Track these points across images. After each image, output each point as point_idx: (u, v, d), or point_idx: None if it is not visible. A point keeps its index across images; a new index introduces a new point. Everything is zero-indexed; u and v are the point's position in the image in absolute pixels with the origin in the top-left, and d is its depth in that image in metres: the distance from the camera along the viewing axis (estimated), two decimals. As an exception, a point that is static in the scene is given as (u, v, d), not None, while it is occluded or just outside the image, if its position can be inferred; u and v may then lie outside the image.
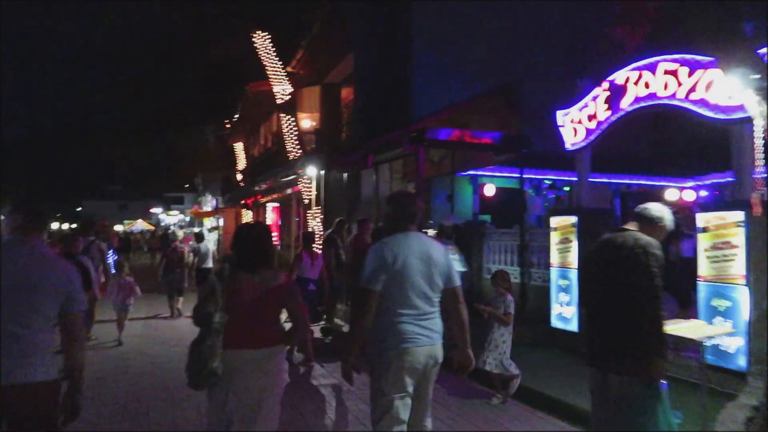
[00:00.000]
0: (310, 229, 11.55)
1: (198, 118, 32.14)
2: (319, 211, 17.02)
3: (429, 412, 3.41)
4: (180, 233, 13.83)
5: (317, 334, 8.92)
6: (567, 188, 12.22)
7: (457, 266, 9.25)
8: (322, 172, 13.00)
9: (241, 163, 30.38)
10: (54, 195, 69.74)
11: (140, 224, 55.46)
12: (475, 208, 11.67)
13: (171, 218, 55.60)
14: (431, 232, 9.23)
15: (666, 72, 6.26)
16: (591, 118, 7.40)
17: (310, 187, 17.13)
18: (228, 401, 3.12)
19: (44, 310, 2.84)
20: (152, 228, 52.32)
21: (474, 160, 10.49)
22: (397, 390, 3.18)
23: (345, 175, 12.56)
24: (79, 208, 74.75)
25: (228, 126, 29.55)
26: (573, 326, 7.43)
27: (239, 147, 30.47)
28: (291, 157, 17.54)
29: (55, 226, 45.20)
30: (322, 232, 15.59)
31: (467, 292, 6.65)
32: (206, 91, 30.40)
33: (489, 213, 11.33)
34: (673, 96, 6.16)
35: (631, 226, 3.46)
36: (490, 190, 11.60)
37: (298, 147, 17.61)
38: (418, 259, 3.23)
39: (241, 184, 29.69)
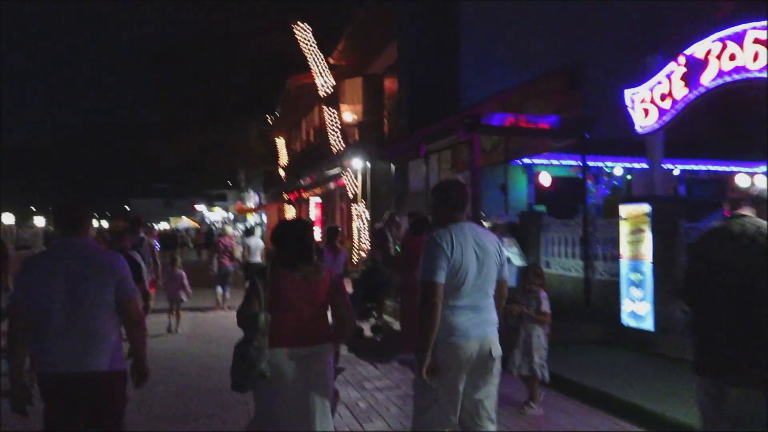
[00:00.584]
0: (334, 225, 11.26)
1: (241, 115, 32.23)
2: (364, 204, 16.72)
3: (491, 414, 3.18)
4: (230, 229, 14.57)
5: (367, 332, 8.61)
6: (629, 177, 11.49)
7: (516, 261, 8.82)
8: (369, 164, 12.59)
9: (283, 158, 30.36)
10: (103, 194, 71.96)
11: (185, 221, 56.43)
12: (530, 199, 11.08)
13: (214, 215, 56.38)
14: (486, 224, 8.74)
15: (756, 41, 5.60)
16: (664, 97, 6.77)
17: (354, 181, 16.83)
18: (275, 402, 3.05)
19: (99, 299, 2.99)
20: (197, 225, 53.19)
21: (529, 147, 9.92)
22: (445, 387, 3.05)
23: (392, 167, 12.13)
24: (128, 207, 76.92)
25: (270, 121, 29.55)
26: (648, 324, 6.83)
27: (281, 142, 30.46)
28: (334, 150, 17.26)
29: (105, 224, 46.35)
30: (367, 226, 15.26)
31: (527, 266, 6.22)
32: (248, 87, 30.42)
33: (544, 203, 10.73)
34: (765, 68, 5.51)
35: (747, 212, 2.93)
36: (545, 179, 11.00)
37: (341, 140, 17.31)
38: (473, 249, 3.12)
39: (284, 179, 29.69)
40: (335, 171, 15.67)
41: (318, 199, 24.02)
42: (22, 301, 2.99)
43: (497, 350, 3.17)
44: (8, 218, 24.66)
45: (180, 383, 6.34)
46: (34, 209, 52.45)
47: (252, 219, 38.56)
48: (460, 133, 7.71)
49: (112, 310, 3.04)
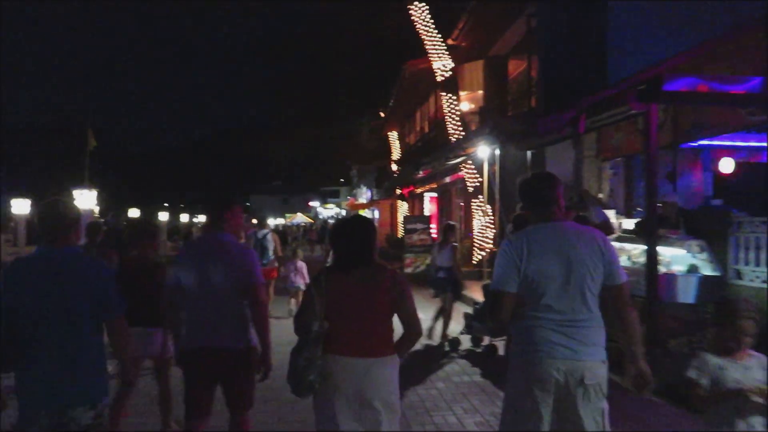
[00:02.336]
0: (451, 222, 10.04)
1: (353, 110, 31.80)
2: (485, 199, 15.13)
3: None
4: None
5: (466, 344, 7.90)
6: None
7: (705, 269, 6.90)
8: (497, 153, 10.95)
9: (396, 152, 29.38)
10: (227, 192, 75.77)
11: (300, 217, 57.62)
12: (707, 190, 8.95)
13: (327, 211, 57.12)
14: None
15: None
16: None
17: (475, 174, 15.27)
18: (334, 415, 2.82)
19: (231, 285, 3.47)
20: (311, 221, 54.13)
21: (709, 123, 7.86)
22: (526, 404, 2.76)
23: (528, 154, 10.45)
24: (248, 203, 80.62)
25: (382, 115, 28.65)
26: None
27: (393, 136, 29.49)
28: (453, 140, 15.80)
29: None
30: (492, 222, 13.66)
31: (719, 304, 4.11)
32: (361, 82, 29.83)
33: (724, 196, 8.57)
34: None
35: None
36: (727, 165, 8.81)
37: (461, 128, 15.81)
38: (556, 254, 2.77)
39: (396, 174, 28.73)
40: (456, 162, 14.14)
41: (433, 194, 22.71)
42: (177, 283, 3.56)
43: (593, 377, 2.71)
44: (134, 213, 25.69)
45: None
46: (168, 205, 55.85)
47: (365, 215, 38.08)
48: (631, 103, 5.94)
49: (242, 296, 3.50)
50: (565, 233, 2.86)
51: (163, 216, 27.45)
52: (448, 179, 20.80)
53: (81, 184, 10.49)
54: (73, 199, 10.78)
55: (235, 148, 71.02)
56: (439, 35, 15.97)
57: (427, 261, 15.02)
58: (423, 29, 16.18)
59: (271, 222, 51.10)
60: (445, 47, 15.95)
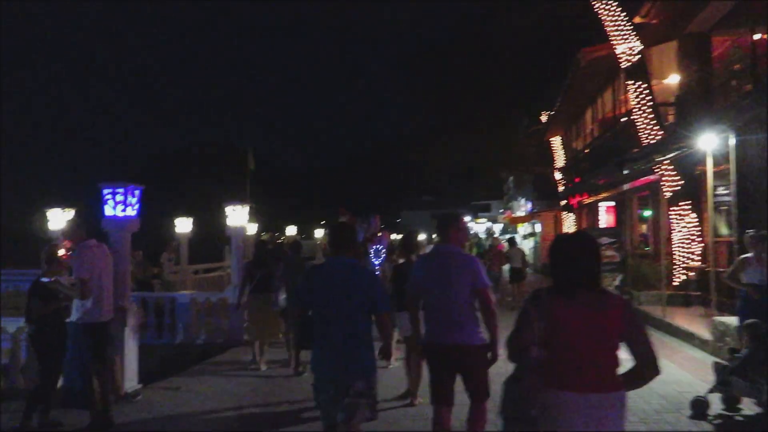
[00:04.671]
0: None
1: (509, 116, 29.55)
2: (689, 206, 12.33)
3: None
4: (499, 238, 14.03)
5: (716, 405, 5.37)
6: None
7: None
8: (732, 143, 8.29)
9: (560, 159, 26.66)
10: (378, 209, 76.58)
11: (452, 233, 56.16)
12: None
13: (479, 226, 55.26)
14: None
15: None
16: None
17: (675, 176, 12.52)
18: None
19: (461, 289, 4.08)
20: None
21: None
22: None
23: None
24: (399, 219, 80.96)
25: (544, 119, 26.14)
26: None
27: (557, 142, 26.80)
28: (645, 135, 13.16)
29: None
30: (698, 237, 10.83)
31: None
32: (518, 84, 27.57)
33: None
34: None
35: None
36: None
37: (653, 122, 13.14)
38: None
39: (559, 183, 26.03)
40: (663, 158, 11.56)
41: (610, 203, 19.83)
42: (416, 289, 4.27)
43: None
44: (291, 230, 25.78)
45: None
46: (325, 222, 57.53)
47: (522, 229, 35.42)
48: None
49: (472, 298, 4.06)
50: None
51: (319, 233, 27.37)
52: (626, 186, 18.03)
53: (240, 202, 9.71)
54: (226, 216, 10.11)
55: (386, 163, 71.86)
56: (624, 14, 13.48)
57: (616, 282, 12.59)
58: (604, 7, 13.80)
59: (422, 237, 50.42)
60: (632, 27, 13.42)
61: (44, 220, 10.75)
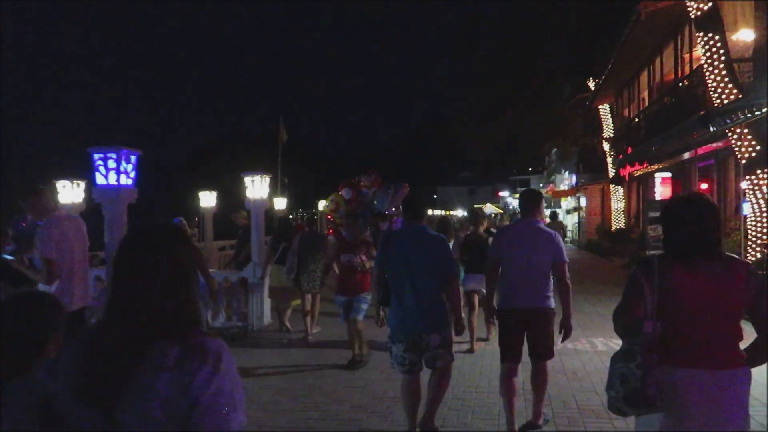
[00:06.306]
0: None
1: (553, 84, 27.82)
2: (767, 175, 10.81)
3: None
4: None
5: None
6: None
7: None
8: None
9: (608, 129, 24.91)
10: (417, 184, 75.56)
11: (489, 208, 54.96)
12: None
13: (517, 201, 53.67)
14: None
15: None
16: None
17: (751, 141, 10.99)
18: None
19: (542, 261, 4.41)
20: (500, 211, 51.35)
21: None
22: None
23: None
24: (435, 195, 79.63)
25: (591, 86, 24.37)
26: None
27: (605, 110, 25.03)
28: (716, 97, 11.61)
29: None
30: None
31: None
32: (567, 51, 25.81)
33: None
34: None
35: None
36: None
37: (726, 81, 11.56)
38: None
39: (608, 154, 24.34)
40: (743, 119, 10.10)
41: (666, 174, 18.22)
42: (497, 257, 4.50)
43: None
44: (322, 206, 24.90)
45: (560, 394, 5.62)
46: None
47: (566, 203, 33.77)
48: None
49: (548, 270, 4.38)
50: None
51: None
52: (686, 155, 16.43)
53: (261, 172, 8.77)
54: (245, 187, 9.16)
55: (427, 140, 70.52)
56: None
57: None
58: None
59: (458, 213, 49.24)
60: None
61: (54, 191, 10.04)
